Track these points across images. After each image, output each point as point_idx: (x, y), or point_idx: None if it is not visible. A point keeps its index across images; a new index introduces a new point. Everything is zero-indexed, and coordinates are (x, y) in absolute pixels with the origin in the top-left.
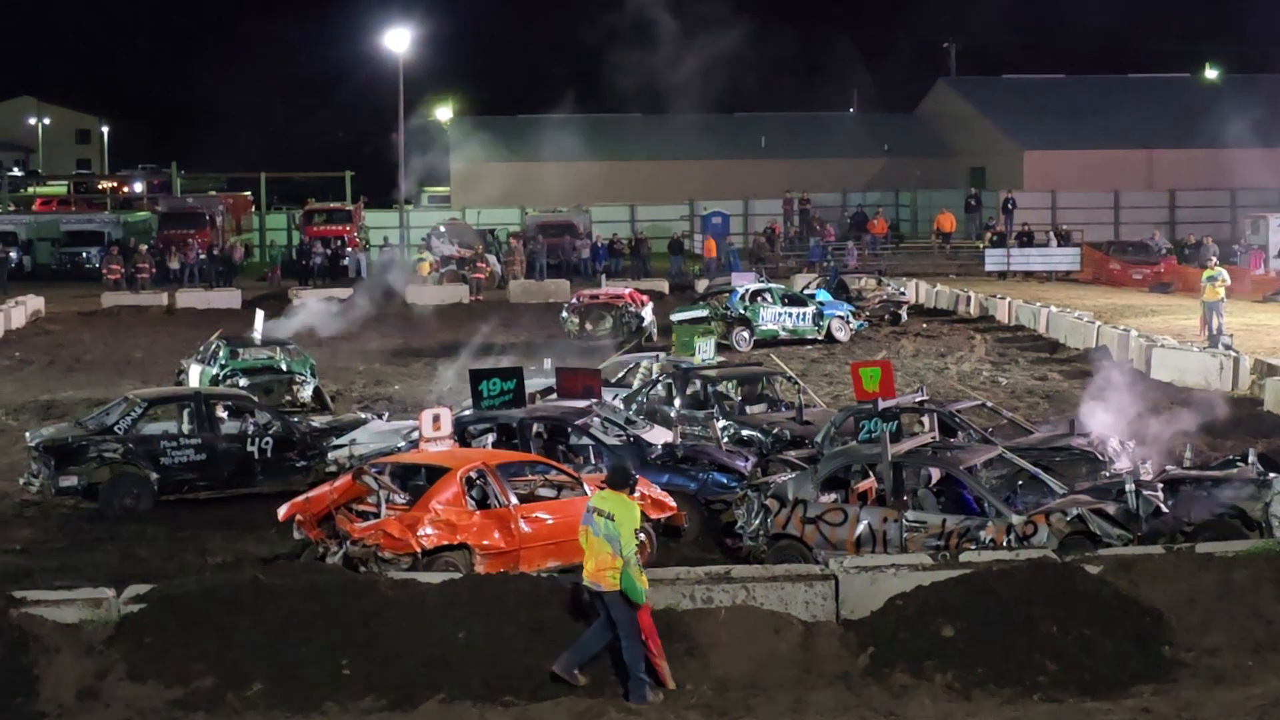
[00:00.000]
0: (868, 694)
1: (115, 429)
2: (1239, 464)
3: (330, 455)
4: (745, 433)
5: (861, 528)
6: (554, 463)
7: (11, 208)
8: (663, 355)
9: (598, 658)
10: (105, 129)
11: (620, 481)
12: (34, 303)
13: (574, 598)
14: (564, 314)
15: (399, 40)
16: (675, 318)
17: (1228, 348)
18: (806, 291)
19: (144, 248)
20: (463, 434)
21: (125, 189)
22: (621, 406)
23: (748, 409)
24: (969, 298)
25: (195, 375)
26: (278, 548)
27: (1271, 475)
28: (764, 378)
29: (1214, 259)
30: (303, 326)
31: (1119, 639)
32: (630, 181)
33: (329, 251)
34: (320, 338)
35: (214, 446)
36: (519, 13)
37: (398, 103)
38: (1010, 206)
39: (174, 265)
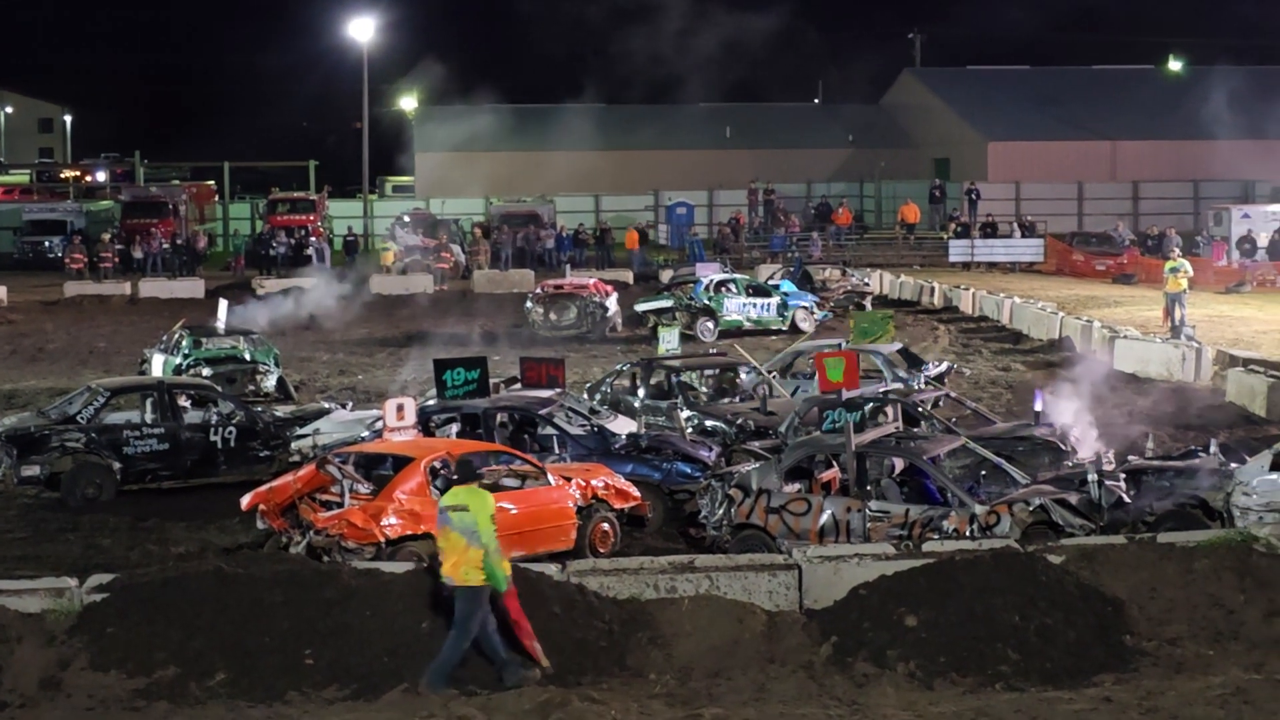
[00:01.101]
0: (830, 683)
1: (78, 418)
2: (1201, 454)
3: (294, 445)
4: (709, 423)
5: (825, 517)
6: (518, 452)
7: None
8: (843, 344)
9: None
10: (68, 118)
11: (467, 475)
12: None
13: (536, 588)
14: (528, 304)
15: (363, 30)
16: (640, 307)
17: (1190, 339)
18: (771, 282)
19: (106, 236)
20: (427, 424)
21: (88, 178)
22: (587, 397)
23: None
24: (933, 288)
25: (158, 365)
26: (241, 537)
27: (1233, 465)
28: (730, 368)
29: (1177, 250)
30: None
31: (1081, 628)
32: (595, 172)
33: (292, 241)
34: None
35: (177, 436)
36: (481, 3)
37: (362, 92)
38: (974, 197)
39: (137, 254)
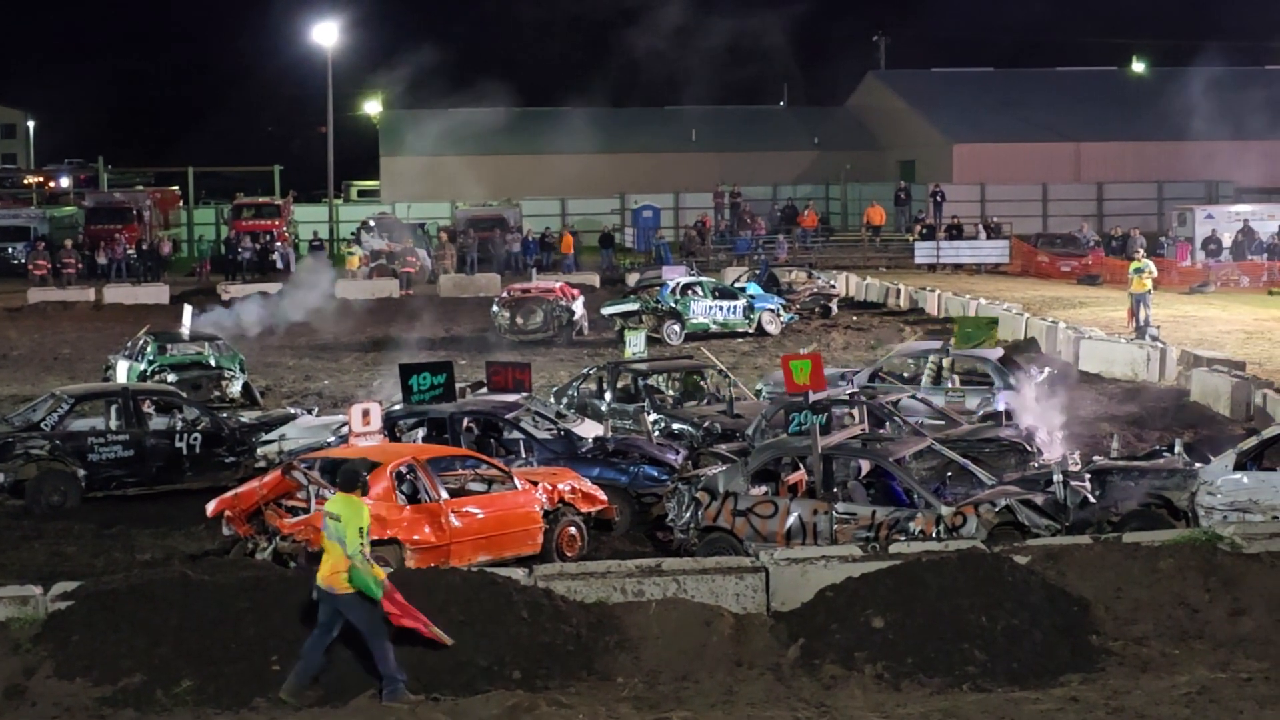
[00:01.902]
0: (798, 685)
1: (42, 425)
2: (1165, 454)
3: (259, 451)
4: (676, 426)
5: (792, 520)
6: (484, 457)
7: None
8: (949, 347)
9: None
10: (31, 123)
11: (348, 484)
12: None
13: (503, 592)
14: (494, 308)
15: (327, 34)
16: (606, 311)
17: (1155, 339)
18: (737, 285)
19: (69, 243)
20: (393, 429)
21: (51, 184)
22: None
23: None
24: (899, 290)
25: (123, 371)
26: (206, 544)
27: (1197, 465)
28: (696, 371)
29: (1141, 251)
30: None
31: (1047, 629)
32: (561, 175)
33: (258, 246)
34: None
35: (142, 442)
36: (449, 5)
37: (326, 97)
38: (939, 199)
39: (101, 260)
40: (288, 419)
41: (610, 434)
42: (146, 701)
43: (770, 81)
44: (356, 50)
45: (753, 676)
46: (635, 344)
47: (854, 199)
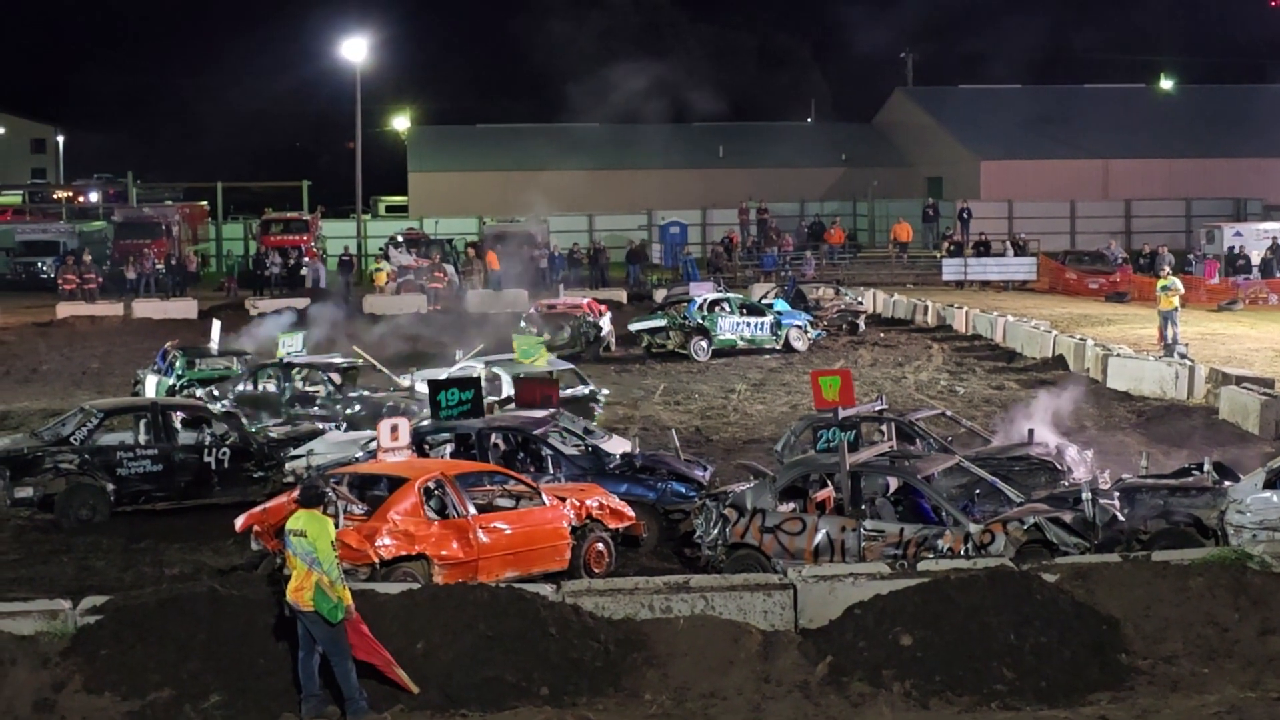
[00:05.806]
0: (826, 703)
1: (71, 440)
2: (1195, 472)
3: (288, 465)
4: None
5: (820, 537)
6: (512, 473)
7: None
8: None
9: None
10: (60, 138)
11: (310, 500)
12: None
13: (531, 608)
14: (522, 324)
15: (356, 50)
16: (634, 327)
17: (1183, 356)
18: (764, 301)
19: (88, 257)
20: (421, 444)
21: (81, 199)
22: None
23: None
24: (926, 307)
25: (151, 386)
26: (235, 559)
27: (1226, 483)
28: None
29: (1168, 268)
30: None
31: (1076, 647)
32: (588, 191)
33: (286, 262)
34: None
35: (170, 457)
36: (477, 22)
37: (355, 112)
38: (965, 216)
39: (130, 275)
40: (316, 434)
41: (637, 450)
42: (175, 716)
43: (798, 98)
44: (386, 66)
45: (780, 694)
46: (289, 344)
47: (881, 215)
